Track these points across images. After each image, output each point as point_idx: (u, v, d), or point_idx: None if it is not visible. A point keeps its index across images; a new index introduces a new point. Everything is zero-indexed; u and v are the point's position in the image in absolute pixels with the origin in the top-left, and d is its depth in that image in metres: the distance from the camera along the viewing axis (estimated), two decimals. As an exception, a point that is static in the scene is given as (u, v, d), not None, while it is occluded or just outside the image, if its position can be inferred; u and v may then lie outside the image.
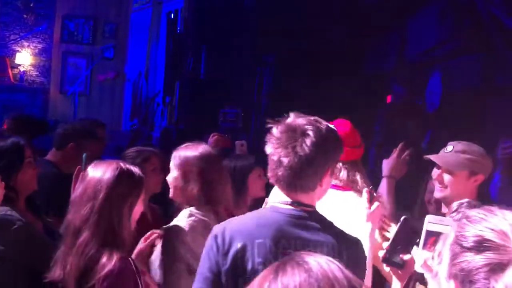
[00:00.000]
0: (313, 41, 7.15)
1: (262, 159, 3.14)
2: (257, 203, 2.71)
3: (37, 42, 10.55)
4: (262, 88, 6.88)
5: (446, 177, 2.43)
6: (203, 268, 1.76)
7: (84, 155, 2.54)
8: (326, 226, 1.80)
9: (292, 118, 1.81)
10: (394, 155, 2.84)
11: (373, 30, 7.62)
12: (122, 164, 2.08)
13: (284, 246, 1.69)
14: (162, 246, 2.33)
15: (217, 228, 1.82)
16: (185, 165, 2.44)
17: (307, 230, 1.74)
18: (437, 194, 2.49)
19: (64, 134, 3.61)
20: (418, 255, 1.55)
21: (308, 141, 1.72)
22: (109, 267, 1.87)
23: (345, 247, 1.74)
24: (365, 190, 2.20)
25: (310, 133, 1.74)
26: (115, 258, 1.90)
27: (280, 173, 1.77)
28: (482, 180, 2.51)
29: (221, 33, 7.15)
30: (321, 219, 1.82)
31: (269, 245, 1.70)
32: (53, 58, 10.63)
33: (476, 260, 0.99)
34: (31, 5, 10.40)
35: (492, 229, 1.00)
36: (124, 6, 10.67)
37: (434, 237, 1.51)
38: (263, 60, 6.83)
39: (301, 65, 6.79)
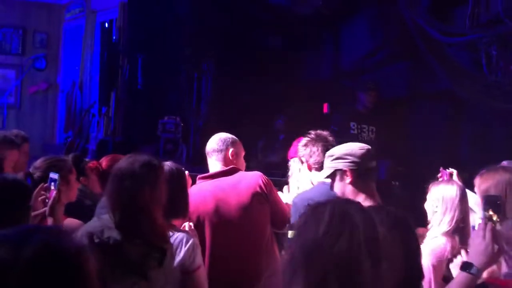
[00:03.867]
0: (251, 50, 7.25)
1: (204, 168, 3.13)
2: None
3: (-39, 52, 9.99)
4: (201, 97, 6.88)
5: None
6: None
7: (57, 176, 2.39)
8: None
9: None
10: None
11: (308, 40, 7.84)
12: None
13: None
14: None
15: None
16: None
17: None
18: None
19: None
20: None
21: None
22: None
23: None
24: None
25: None
26: None
27: None
28: None
29: (157, 41, 7.09)
30: None
31: None
32: (-21, 69, 10.10)
33: None
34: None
35: None
36: (56, 15, 10.34)
37: None
38: (202, 68, 6.83)
39: (240, 73, 6.85)
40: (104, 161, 3.05)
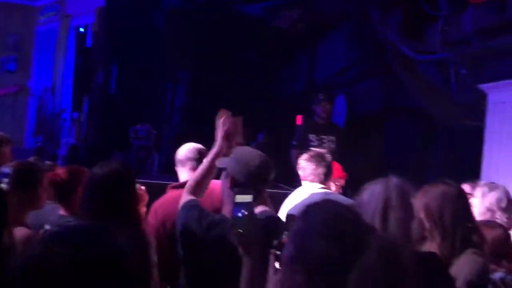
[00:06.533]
0: (227, 61, 7.27)
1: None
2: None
3: None
4: (174, 105, 6.85)
5: None
6: None
7: None
8: None
9: None
10: None
11: (285, 54, 7.92)
12: None
13: None
14: None
15: None
16: None
17: None
18: None
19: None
20: None
21: None
22: None
23: None
24: None
25: None
26: None
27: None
28: None
29: (133, 49, 7.05)
30: None
31: None
32: None
33: None
34: None
35: None
36: (29, 17, 10.17)
37: None
38: (177, 76, 6.82)
39: (215, 84, 6.86)
40: (63, 172, 2.89)
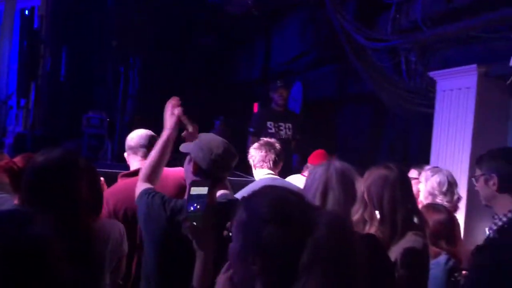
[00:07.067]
0: (181, 47, 7.15)
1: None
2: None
3: None
4: (127, 92, 6.69)
5: None
6: None
7: None
8: None
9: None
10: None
11: (240, 40, 7.87)
12: None
13: None
14: None
15: None
16: None
17: None
18: None
19: None
20: None
21: None
22: None
23: None
24: None
25: None
26: None
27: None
28: None
29: (82, 32, 6.81)
30: None
31: None
32: None
33: None
34: None
35: None
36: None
37: None
38: (129, 62, 6.64)
39: (169, 70, 6.74)
40: (19, 160, 2.78)
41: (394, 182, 2.04)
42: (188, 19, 7.18)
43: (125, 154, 2.89)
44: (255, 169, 3.15)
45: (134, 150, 2.80)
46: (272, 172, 3.10)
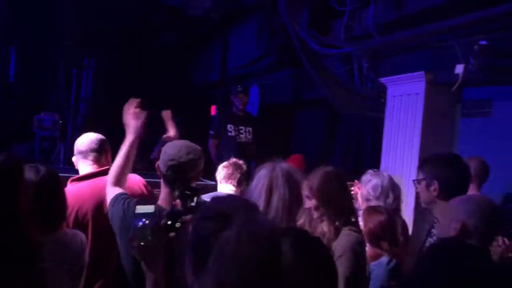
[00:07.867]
0: (138, 48, 7.05)
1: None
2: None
3: None
4: (80, 93, 6.54)
5: None
6: None
7: None
8: None
9: None
10: None
11: (198, 42, 7.84)
12: None
13: None
14: None
15: None
16: None
17: None
18: None
19: None
20: None
21: None
22: None
23: None
24: None
25: None
26: None
27: None
28: None
29: (33, 31, 6.59)
30: None
31: None
32: None
33: None
34: None
35: None
36: None
37: None
38: (82, 63, 6.49)
39: (125, 71, 6.63)
40: None
41: (333, 182, 2.15)
42: (146, 20, 7.09)
43: (73, 159, 2.82)
44: (220, 183, 3.33)
45: (84, 154, 2.74)
46: (236, 190, 3.29)
